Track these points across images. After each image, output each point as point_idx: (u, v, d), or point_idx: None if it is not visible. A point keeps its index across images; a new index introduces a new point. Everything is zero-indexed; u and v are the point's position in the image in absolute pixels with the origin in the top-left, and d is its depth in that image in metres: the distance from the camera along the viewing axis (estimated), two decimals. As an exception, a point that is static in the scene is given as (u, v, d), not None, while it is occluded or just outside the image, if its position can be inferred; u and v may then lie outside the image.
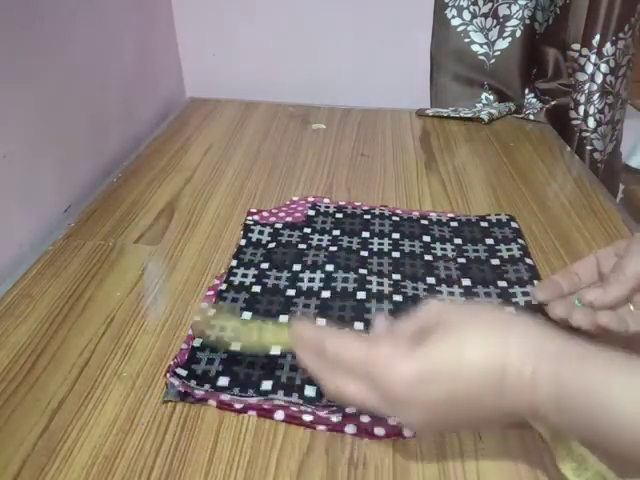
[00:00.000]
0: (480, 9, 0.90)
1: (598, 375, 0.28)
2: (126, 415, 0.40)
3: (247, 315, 0.48)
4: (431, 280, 0.53)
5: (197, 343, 0.45)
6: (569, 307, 0.43)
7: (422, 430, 0.36)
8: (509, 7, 0.89)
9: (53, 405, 0.40)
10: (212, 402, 0.41)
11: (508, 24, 0.90)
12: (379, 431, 0.38)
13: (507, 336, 0.30)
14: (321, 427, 0.39)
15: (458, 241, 0.59)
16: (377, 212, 0.64)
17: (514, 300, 0.50)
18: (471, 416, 0.32)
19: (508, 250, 0.57)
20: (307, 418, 0.39)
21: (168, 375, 0.42)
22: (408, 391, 0.30)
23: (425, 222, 0.62)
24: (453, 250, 0.57)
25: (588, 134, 0.87)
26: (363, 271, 0.54)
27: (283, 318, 0.48)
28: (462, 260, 0.56)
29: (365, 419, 0.39)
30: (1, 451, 0.37)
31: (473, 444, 0.38)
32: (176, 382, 0.41)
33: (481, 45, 0.92)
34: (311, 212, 0.64)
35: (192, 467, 0.36)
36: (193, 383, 0.41)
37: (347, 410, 0.40)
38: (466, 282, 0.53)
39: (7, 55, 0.56)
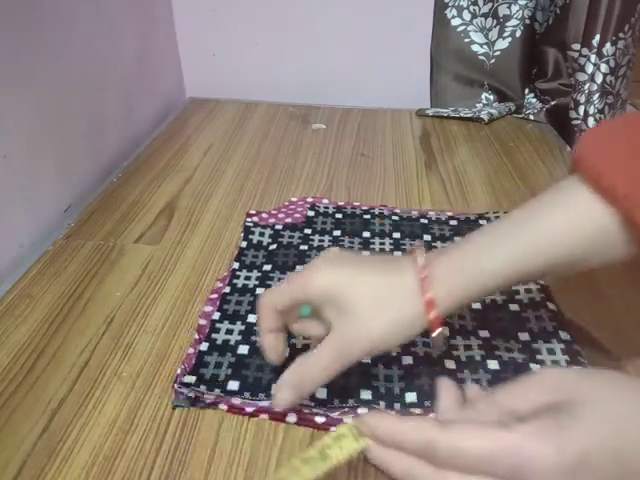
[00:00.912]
0: (480, 9, 0.90)
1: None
2: (126, 415, 0.40)
3: (253, 318, 0.48)
4: None
5: (204, 347, 0.45)
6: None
7: None
8: (509, 7, 0.89)
9: (53, 405, 0.41)
10: (223, 406, 0.40)
11: (508, 24, 0.90)
12: None
13: None
14: (334, 429, 0.39)
15: (458, 239, 0.59)
16: (377, 212, 0.64)
17: (517, 297, 0.50)
18: None
19: (527, 291, 0.56)
20: (319, 420, 0.39)
21: (176, 386, 0.41)
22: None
23: (425, 221, 0.62)
24: None
25: (588, 134, 0.87)
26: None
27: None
28: (476, 306, 0.55)
29: None
30: (1, 451, 0.37)
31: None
32: (185, 391, 0.41)
33: (481, 45, 0.92)
34: (310, 213, 0.64)
35: (192, 467, 0.36)
36: (203, 388, 0.41)
37: (359, 411, 0.39)
38: None
39: (7, 55, 0.56)
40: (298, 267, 0.54)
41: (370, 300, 0.35)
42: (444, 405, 0.34)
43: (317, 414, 0.39)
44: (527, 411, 0.29)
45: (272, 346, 0.40)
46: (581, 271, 0.37)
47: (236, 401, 0.41)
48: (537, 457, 0.26)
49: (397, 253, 0.57)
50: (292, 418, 0.39)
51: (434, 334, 0.35)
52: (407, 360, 0.44)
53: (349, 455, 0.31)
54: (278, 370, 0.42)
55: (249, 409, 0.40)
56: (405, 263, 0.36)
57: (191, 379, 0.42)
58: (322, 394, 0.41)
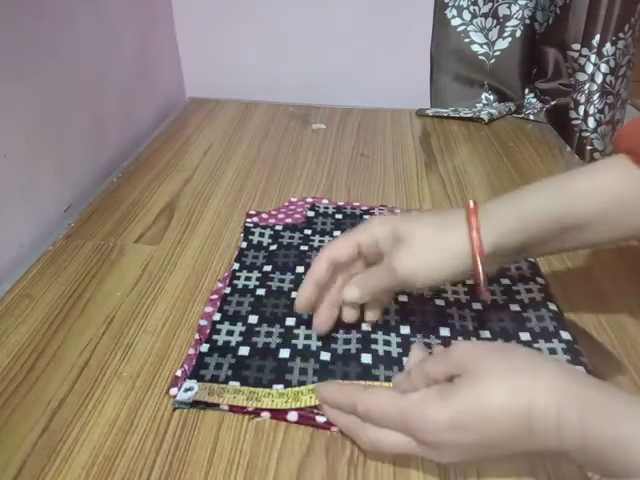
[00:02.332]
0: (480, 9, 0.90)
1: (623, 426, 0.28)
2: (126, 415, 0.40)
3: (254, 319, 0.48)
4: (441, 302, 0.51)
5: (204, 348, 0.45)
6: (332, 311, 0.45)
7: (455, 465, 0.36)
8: (509, 7, 0.89)
9: (53, 405, 0.41)
10: (224, 406, 0.40)
11: (508, 24, 0.90)
12: None
13: (534, 382, 0.31)
14: (335, 428, 0.39)
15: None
16: (376, 212, 0.64)
17: (518, 297, 0.50)
18: (502, 455, 0.33)
19: (517, 268, 0.56)
20: (320, 419, 0.39)
21: (176, 391, 0.41)
22: (440, 437, 0.32)
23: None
24: None
25: (588, 134, 0.87)
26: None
27: (290, 320, 0.48)
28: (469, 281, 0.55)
29: None
30: (1, 451, 0.37)
31: (473, 444, 0.38)
32: (186, 396, 0.41)
33: (481, 45, 0.92)
34: (310, 213, 0.64)
35: (192, 467, 0.36)
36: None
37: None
38: (470, 280, 0.53)
39: (7, 55, 0.56)
40: (299, 268, 0.54)
41: (424, 236, 0.40)
42: (410, 362, 0.40)
43: (318, 413, 0.39)
44: (443, 380, 0.34)
45: (308, 297, 0.43)
46: (620, 240, 0.41)
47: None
48: (423, 417, 0.33)
49: None
50: (293, 417, 0.39)
51: (478, 264, 0.39)
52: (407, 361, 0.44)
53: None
54: (278, 370, 0.43)
55: (250, 408, 0.40)
56: (459, 208, 0.41)
57: (191, 383, 0.42)
58: None
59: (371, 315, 0.45)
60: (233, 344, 0.45)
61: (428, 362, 0.35)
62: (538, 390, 0.31)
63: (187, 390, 0.41)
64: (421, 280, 0.40)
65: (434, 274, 0.40)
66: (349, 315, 0.45)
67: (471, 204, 0.40)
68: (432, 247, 0.40)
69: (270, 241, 0.59)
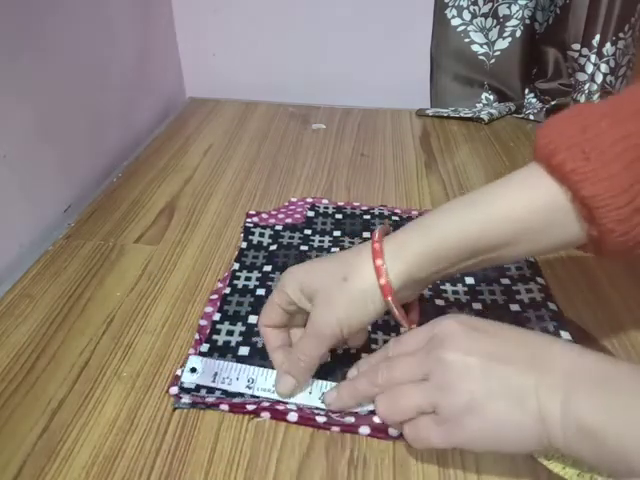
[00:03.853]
0: (480, 9, 0.90)
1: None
2: (126, 415, 0.40)
3: (254, 319, 0.48)
4: (440, 302, 0.51)
5: (204, 348, 0.45)
6: None
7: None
8: (509, 7, 0.89)
9: (53, 405, 0.41)
10: (224, 407, 0.40)
11: (508, 24, 0.90)
12: (393, 431, 0.38)
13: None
14: (335, 428, 0.39)
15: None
16: (376, 212, 0.64)
17: (518, 297, 0.50)
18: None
19: (518, 269, 0.56)
20: (320, 420, 0.39)
21: (174, 390, 0.41)
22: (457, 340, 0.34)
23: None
24: None
25: (588, 134, 0.87)
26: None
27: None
28: (469, 280, 0.55)
29: (378, 419, 0.39)
30: (1, 451, 0.37)
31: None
32: (185, 398, 0.41)
33: (481, 45, 0.92)
34: (310, 213, 0.64)
35: (192, 467, 0.36)
36: (203, 392, 0.41)
37: (359, 411, 0.39)
38: (469, 280, 0.53)
39: (7, 55, 0.56)
40: None
41: (329, 283, 0.39)
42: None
43: (318, 414, 0.39)
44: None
45: (283, 361, 0.42)
46: (540, 254, 0.44)
47: (237, 400, 0.41)
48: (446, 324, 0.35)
49: None
50: (293, 417, 0.39)
51: (392, 307, 0.38)
52: None
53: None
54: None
55: (250, 407, 0.40)
56: (363, 245, 0.40)
57: (191, 383, 0.42)
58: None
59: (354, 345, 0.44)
60: (233, 344, 0.46)
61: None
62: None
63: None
64: (350, 332, 0.39)
65: (358, 323, 0.39)
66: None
67: (376, 243, 0.38)
68: (346, 299, 0.38)
69: (270, 241, 0.59)
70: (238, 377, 0.42)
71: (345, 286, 0.38)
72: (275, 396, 0.41)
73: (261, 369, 0.42)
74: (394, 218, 0.63)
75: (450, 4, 0.90)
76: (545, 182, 0.35)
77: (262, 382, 0.41)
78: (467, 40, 0.92)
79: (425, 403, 0.34)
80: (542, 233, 0.36)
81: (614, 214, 0.33)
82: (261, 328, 0.43)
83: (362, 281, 0.38)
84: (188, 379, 0.42)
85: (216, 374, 0.42)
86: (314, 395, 0.41)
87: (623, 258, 0.37)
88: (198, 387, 0.41)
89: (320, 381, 0.41)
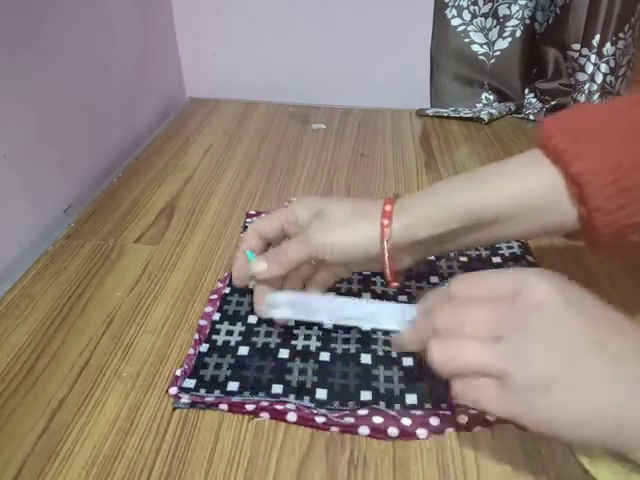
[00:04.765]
0: (480, 9, 0.90)
1: None
2: (126, 415, 0.40)
3: (253, 319, 0.48)
4: (435, 279, 0.53)
5: (204, 348, 0.45)
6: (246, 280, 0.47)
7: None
8: (509, 7, 0.89)
9: (53, 405, 0.41)
10: (223, 406, 0.40)
11: (508, 24, 0.90)
12: (393, 431, 0.38)
13: None
14: (334, 429, 0.39)
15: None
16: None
17: None
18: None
19: (509, 247, 0.57)
20: (320, 420, 0.39)
21: (173, 390, 0.41)
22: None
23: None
24: None
25: (588, 134, 0.87)
26: (366, 272, 0.54)
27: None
28: (464, 259, 0.56)
29: (378, 420, 0.39)
30: (1, 451, 0.37)
31: (472, 444, 0.38)
32: (185, 398, 0.41)
33: (481, 45, 0.92)
34: (311, 212, 0.64)
35: (192, 467, 0.36)
36: (203, 392, 0.41)
37: (359, 412, 0.39)
38: (463, 258, 0.54)
39: (7, 55, 0.56)
40: None
41: (341, 214, 0.42)
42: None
43: (317, 414, 0.39)
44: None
45: (242, 264, 0.45)
46: (535, 235, 0.46)
47: (236, 399, 0.41)
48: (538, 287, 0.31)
49: None
50: (292, 417, 0.39)
51: (385, 250, 0.40)
52: (408, 362, 0.44)
53: None
54: (277, 370, 0.43)
55: (250, 407, 0.40)
56: (379, 199, 0.43)
57: (191, 383, 0.42)
58: (322, 395, 0.41)
59: (313, 289, 0.46)
60: (232, 344, 0.46)
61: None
62: None
63: (187, 391, 0.41)
64: (334, 254, 0.42)
65: (345, 251, 0.42)
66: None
67: (391, 196, 0.42)
68: (347, 226, 0.42)
69: (270, 241, 0.59)
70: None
71: (353, 217, 0.42)
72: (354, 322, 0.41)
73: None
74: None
75: (450, 4, 0.90)
76: (544, 164, 0.38)
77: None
78: (467, 40, 0.92)
79: (493, 366, 0.30)
80: (540, 212, 0.38)
81: (601, 191, 0.35)
82: (249, 231, 0.46)
83: (368, 220, 0.41)
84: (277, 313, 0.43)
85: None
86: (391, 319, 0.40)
87: (613, 247, 0.38)
88: (198, 386, 0.41)
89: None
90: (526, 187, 0.39)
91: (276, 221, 0.45)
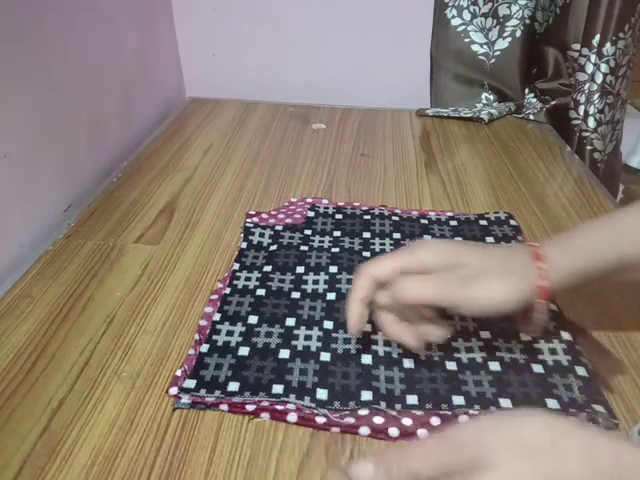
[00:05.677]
0: (480, 9, 0.90)
1: None
2: (126, 415, 0.40)
3: (253, 319, 0.48)
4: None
5: (204, 348, 0.45)
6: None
7: None
8: (509, 7, 0.89)
9: (53, 405, 0.41)
10: (224, 407, 0.40)
11: (508, 24, 0.90)
12: (393, 432, 0.38)
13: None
14: (335, 429, 0.39)
15: (459, 240, 0.59)
16: (377, 212, 0.64)
17: None
18: None
19: (501, 231, 0.57)
20: (320, 420, 0.39)
21: (174, 390, 0.41)
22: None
23: (425, 221, 0.62)
24: None
25: (588, 134, 0.87)
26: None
27: (290, 321, 0.48)
28: None
29: (379, 420, 0.39)
30: (1, 451, 0.37)
31: (473, 444, 0.38)
32: (185, 398, 0.41)
33: (481, 45, 0.92)
34: (310, 213, 0.64)
35: (192, 467, 0.36)
36: (203, 392, 0.41)
37: (360, 412, 0.39)
38: None
39: (7, 55, 0.56)
40: (299, 268, 0.54)
41: (494, 268, 0.40)
42: None
43: (317, 414, 0.39)
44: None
45: (359, 315, 0.41)
46: None
47: (237, 400, 0.41)
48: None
49: None
50: (293, 418, 0.39)
51: (540, 305, 0.40)
52: (408, 363, 0.44)
53: None
54: (278, 371, 0.43)
55: (250, 407, 0.40)
56: (514, 244, 0.43)
57: (191, 383, 0.42)
58: (323, 395, 0.41)
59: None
60: (233, 344, 0.46)
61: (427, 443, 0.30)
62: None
63: (187, 391, 0.41)
64: (491, 308, 0.40)
65: (502, 305, 0.40)
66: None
67: (538, 249, 0.41)
68: (504, 282, 0.40)
69: (270, 241, 0.59)
70: None
71: (507, 274, 0.40)
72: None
73: None
74: (394, 218, 0.63)
75: (450, 4, 0.90)
76: None
77: None
78: (467, 40, 0.92)
79: None
80: None
81: None
82: (362, 275, 0.41)
83: (522, 279, 0.40)
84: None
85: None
86: None
87: None
88: (198, 387, 0.41)
89: None
90: None
91: (396, 266, 0.40)
